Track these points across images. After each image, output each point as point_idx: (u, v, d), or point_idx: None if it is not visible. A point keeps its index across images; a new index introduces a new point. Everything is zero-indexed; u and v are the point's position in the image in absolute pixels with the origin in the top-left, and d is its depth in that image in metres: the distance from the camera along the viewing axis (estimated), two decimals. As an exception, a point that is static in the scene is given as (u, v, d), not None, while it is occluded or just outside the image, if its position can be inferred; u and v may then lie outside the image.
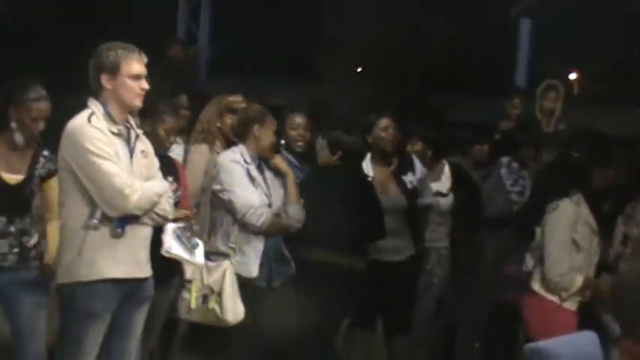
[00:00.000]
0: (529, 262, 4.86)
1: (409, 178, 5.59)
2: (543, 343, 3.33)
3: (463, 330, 6.25)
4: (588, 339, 3.10)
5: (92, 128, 3.70)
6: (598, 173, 5.17)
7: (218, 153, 4.95)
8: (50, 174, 4.20)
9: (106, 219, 3.72)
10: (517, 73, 8.82)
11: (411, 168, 5.64)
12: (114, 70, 3.77)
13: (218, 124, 5.09)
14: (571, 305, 4.70)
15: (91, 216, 3.71)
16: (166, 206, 3.89)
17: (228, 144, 5.02)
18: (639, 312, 2.32)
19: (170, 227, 4.10)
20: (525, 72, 8.76)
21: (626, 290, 2.36)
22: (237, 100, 5.17)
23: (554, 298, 4.70)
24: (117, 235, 3.74)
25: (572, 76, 21.65)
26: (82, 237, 3.72)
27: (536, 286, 4.77)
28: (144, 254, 3.88)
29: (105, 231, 3.73)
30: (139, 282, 3.88)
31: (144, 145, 3.92)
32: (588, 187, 4.87)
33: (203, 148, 5.06)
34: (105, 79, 3.77)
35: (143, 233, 3.86)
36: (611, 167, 5.25)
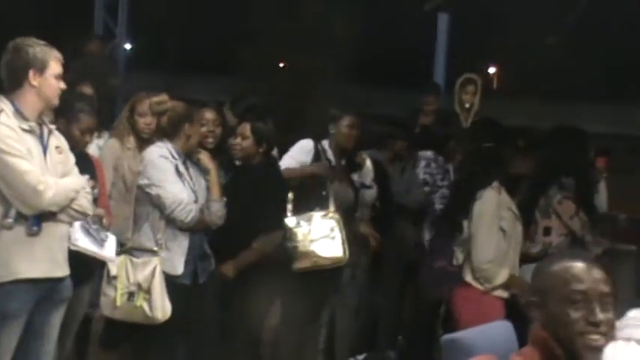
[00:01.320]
0: (459, 255, 4.97)
1: (356, 177, 5.79)
2: (459, 334, 3.40)
3: (385, 323, 6.40)
4: (504, 328, 3.23)
5: (1, 126, 3.67)
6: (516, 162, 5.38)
7: (130, 149, 5.05)
8: None
9: (21, 217, 3.69)
10: (435, 66, 9.00)
11: (358, 167, 5.83)
12: (42, 68, 3.77)
13: (131, 120, 5.21)
14: (501, 293, 4.86)
15: (5, 215, 3.67)
16: (84, 202, 3.88)
17: (141, 140, 5.14)
18: (545, 299, 2.45)
19: (78, 221, 4.07)
20: (444, 66, 8.95)
21: (537, 277, 2.50)
22: (162, 100, 5.22)
23: (485, 287, 4.85)
24: (33, 234, 3.71)
25: (492, 70, 22.13)
26: None
27: (468, 277, 4.90)
28: (61, 253, 3.87)
29: (20, 230, 3.70)
30: (56, 282, 3.85)
31: (58, 141, 3.91)
32: (507, 176, 5.07)
33: (112, 143, 5.20)
34: (32, 76, 3.76)
35: (60, 231, 3.85)
36: (525, 158, 5.48)
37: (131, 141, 5.19)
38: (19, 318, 3.74)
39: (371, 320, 6.28)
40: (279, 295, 5.26)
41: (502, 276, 4.83)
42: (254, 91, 8.32)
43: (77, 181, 3.92)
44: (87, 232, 4.14)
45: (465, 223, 4.96)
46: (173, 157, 4.70)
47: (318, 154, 5.59)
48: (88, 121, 4.55)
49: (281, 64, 11.48)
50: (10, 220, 3.68)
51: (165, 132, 4.84)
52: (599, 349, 2.37)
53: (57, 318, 3.93)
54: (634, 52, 12.32)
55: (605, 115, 15.26)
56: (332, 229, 5.29)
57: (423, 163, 6.38)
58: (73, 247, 4.05)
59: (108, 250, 4.28)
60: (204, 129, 5.12)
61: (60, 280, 3.88)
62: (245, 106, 6.07)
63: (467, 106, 7.44)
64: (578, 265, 2.41)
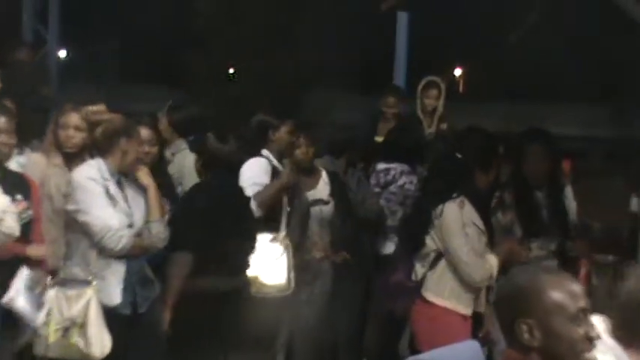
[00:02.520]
0: (419, 270, 5.01)
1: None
2: (423, 355, 3.43)
3: (347, 344, 6.33)
4: (471, 349, 3.19)
5: None
6: (481, 174, 5.40)
7: (56, 165, 4.92)
8: None
9: None
10: (395, 69, 8.97)
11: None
12: None
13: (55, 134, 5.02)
14: (464, 309, 4.92)
15: None
16: (11, 223, 3.77)
17: (64, 156, 4.98)
18: (514, 320, 2.49)
19: (24, 274, 3.96)
20: (404, 69, 8.91)
21: (532, 297, 2.53)
22: (98, 110, 5.09)
23: (447, 304, 4.93)
24: None
25: (457, 72, 22.28)
26: None
27: (428, 294, 4.95)
28: None
29: None
30: None
31: None
32: (472, 189, 5.07)
33: (37, 158, 5.06)
34: None
35: None
36: (493, 168, 5.49)
37: (58, 157, 5.02)
38: None
39: (331, 342, 6.19)
40: (229, 323, 5.15)
41: (494, 264, 4.96)
42: (198, 100, 8.23)
43: (1, 200, 3.79)
44: (30, 291, 4.14)
45: (428, 239, 4.99)
46: (104, 177, 4.58)
47: (275, 169, 5.63)
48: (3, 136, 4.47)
49: (230, 71, 11.42)
50: None
51: (99, 147, 4.71)
52: None
53: None
54: (608, 51, 12.45)
55: (579, 116, 15.38)
56: (280, 254, 5.26)
57: (404, 179, 6.28)
58: (6, 306, 3.99)
59: (40, 319, 4.26)
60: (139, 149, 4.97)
61: None
62: (184, 118, 6.01)
63: (429, 110, 7.42)
64: (572, 282, 2.53)
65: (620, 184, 6.84)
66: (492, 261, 4.97)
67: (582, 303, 2.50)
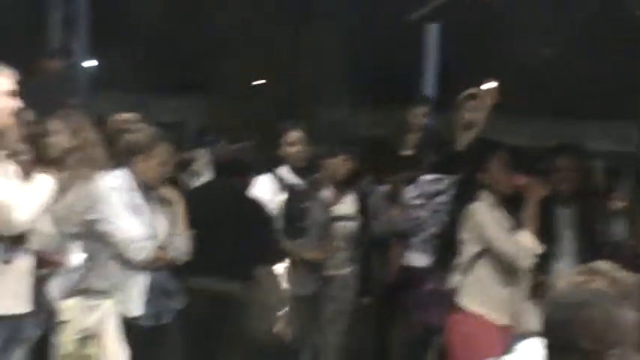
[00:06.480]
0: (454, 278, 4.95)
1: (324, 195, 5.80)
2: None
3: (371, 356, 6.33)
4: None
5: None
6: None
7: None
8: None
9: None
10: (424, 81, 8.93)
11: (323, 185, 5.86)
12: None
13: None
14: (499, 318, 4.86)
15: None
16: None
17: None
18: (624, 351, 2.19)
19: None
20: (434, 82, 8.87)
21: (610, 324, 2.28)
22: (128, 118, 5.07)
23: (482, 311, 4.86)
24: (7, 261, 3.73)
25: (490, 84, 22.02)
26: None
27: (462, 301, 4.90)
28: (24, 288, 3.86)
29: None
30: (17, 319, 3.82)
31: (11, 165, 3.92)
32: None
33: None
34: None
35: (26, 265, 3.87)
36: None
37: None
38: None
39: (355, 354, 6.18)
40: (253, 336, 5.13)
41: (531, 239, 4.84)
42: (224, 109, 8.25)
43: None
44: None
45: (464, 244, 4.94)
46: (129, 187, 4.59)
47: (289, 184, 5.66)
48: None
49: (258, 82, 11.44)
50: None
51: (123, 158, 4.70)
52: None
53: None
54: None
55: (612, 132, 15.23)
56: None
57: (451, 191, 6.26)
58: None
59: None
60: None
61: (22, 317, 3.85)
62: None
63: (467, 122, 7.17)
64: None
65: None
66: (525, 238, 4.87)
67: None
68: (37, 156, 4.80)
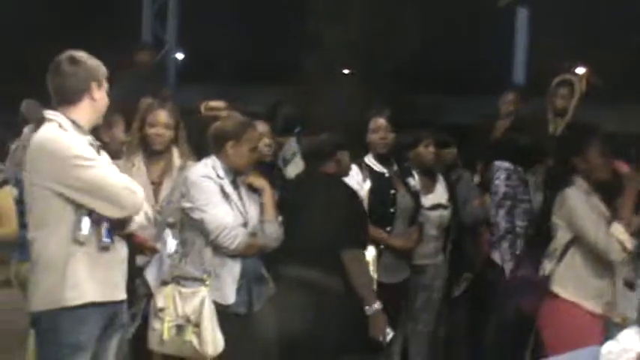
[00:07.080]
0: (547, 265, 4.90)
1: (412, 182, 5.78)
2: None
3: (463, 349, 6.29)
4: (592, 357, 3.05)
5: (71, 139, 3.74)
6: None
7: (134, 165, 4.88)
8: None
9: (93, 233, 3.75)
10: (514, 68, 8.80)
11: (410, 172, 5.82)
12: (101, 81, 3.88)
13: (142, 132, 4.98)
14: (591, 305, 4.80)
15: (77, 229, 3.72)
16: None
17: (149, 155, 4.96)
18: None
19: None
20: (521, 68, 8.73)
21: None
22: (217, 106, 5.12)
23: (574, 297, 4.81)
24: (105, 247, 3.78)
25: (580, 70, 21.54)
26: (64, 256, 3.72)
27: (554, 287, 4.85)
28: (121, 275, 3.93)
29: (90, 247, 3.75)
30: (116, 306, 3.90)
31: (107, 156, 3.99)
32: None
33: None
34: (94, 89, 3.85)
35: (123, 253, 3.93)
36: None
37: (138, 156, 4.95)
38: (88, 349, 3.77)
39: (447, 347, 6.16)
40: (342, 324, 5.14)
41: (622, 230, 4.71)
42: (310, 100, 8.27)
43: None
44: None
45: (555, 229, 4.87)
46: (218, 175, 4.64)
47: (374, 173, 5.66)
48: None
49: (345, 71, 11.43)
50: (83, 233, 3.71)
51: (211, 147, 4.76)
52: None
53: (114, 347, 3.96)
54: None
55: None
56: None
57: (503, 175, 6.18)
58: None
59: None
60: (260, 144, 5.05)
61: (119, 304, 3.92)
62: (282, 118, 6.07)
63: (559, 109, 7.01)
64: None
65: None
66: (617, 230, 4.74)
67: None
68: (141, 147, 4.99)
